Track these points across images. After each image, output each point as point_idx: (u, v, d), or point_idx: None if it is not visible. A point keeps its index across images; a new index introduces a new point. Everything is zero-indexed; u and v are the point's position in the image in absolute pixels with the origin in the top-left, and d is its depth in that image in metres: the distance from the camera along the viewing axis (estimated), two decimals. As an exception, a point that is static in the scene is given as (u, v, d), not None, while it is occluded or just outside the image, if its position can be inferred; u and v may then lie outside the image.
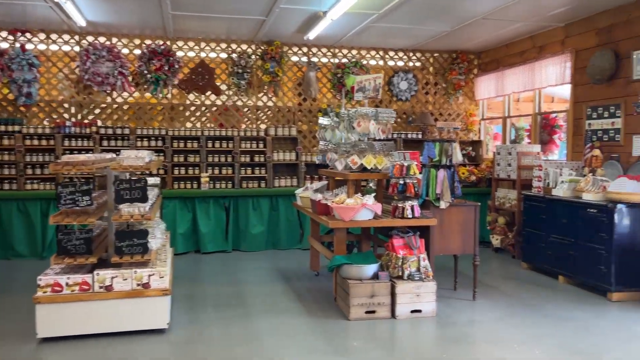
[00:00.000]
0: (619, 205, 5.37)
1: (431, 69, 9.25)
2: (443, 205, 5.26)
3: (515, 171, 7.43)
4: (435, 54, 9.19)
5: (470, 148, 9.15)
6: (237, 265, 6.99)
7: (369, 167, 5.31)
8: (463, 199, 5.58)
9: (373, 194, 5.17)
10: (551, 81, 7.29)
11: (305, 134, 8.72)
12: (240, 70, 8.28)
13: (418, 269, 4.94)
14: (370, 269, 4.89)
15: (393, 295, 4.81)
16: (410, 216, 5.00)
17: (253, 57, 8.40)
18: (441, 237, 5.32)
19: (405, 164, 5.06)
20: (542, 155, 7.66)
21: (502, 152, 7.81)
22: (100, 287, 4.22)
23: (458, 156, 5.34)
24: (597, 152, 6.35)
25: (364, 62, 8.82)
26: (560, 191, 6.24)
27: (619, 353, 4.06)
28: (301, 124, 8.72)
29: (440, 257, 5.65)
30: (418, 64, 9.23)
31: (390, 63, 9.11)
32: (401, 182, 5.06)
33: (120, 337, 4.27)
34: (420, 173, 5.36)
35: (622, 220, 5.40)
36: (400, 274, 4.90)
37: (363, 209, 4.89)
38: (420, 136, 8.81)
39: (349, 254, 6.06)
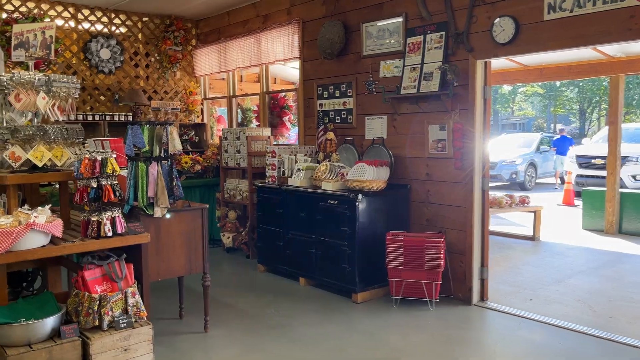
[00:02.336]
0: (360, 195, 4.78)
1: (140, 35, 7.55)
2: (159, 212, 3.82)
3: (246, 158, 6.43)
4: (145, 19, 7.52)
5: (193, 132, 7.84)
6: None
7: (40, 164, 3.50)
8: (186, 200, 4.23)
9: (48, 206, 3.38)
10: (279, 55, 6.46)
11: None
12: None
13: (125, 310, 3.40)
14: (45, 324, 3.14)
15: (86, 357, 3.19)
16: (110, 234, 3.41)
17: None
18: (159, 257, 3.88)
19: (99, 157, 3.43)
20: (274, 140, 6.85)
21: (229, 137, 6.71)
22: None
23: (176, 144, 3.95)
24: (331, 135, 5.74)
25: (47, 20, 6.60)
26: (297, 180, 5.43)
27: (384, 383, 3.32)
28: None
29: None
30: (123, 29, 7.42)
31: (86, 25, 7.08)
32: (94, 184, 3.41)
33: None
34: (124, 169, 3.82)
35: (364, 211, 4.83)
36: (97, 323, 3.28)
37: (29, 233, 3.09)
38: (131, 118, 7.10)
39: (15, 298, 4.17)
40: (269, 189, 5.73)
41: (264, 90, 7.08)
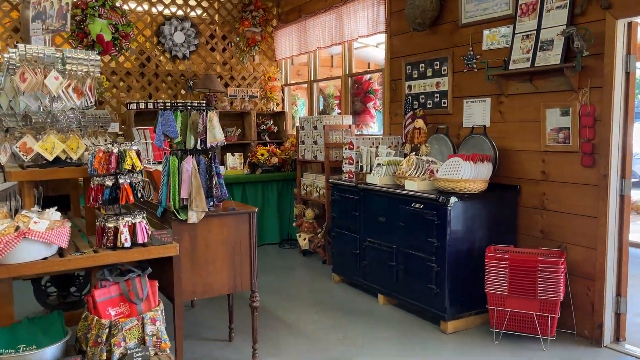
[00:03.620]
0: (453, 198, 3.77)
1: (217, 17, 7.00)
2: (194, 217, 3.12)
3: (323, 150, 5.63)
4: (222, -1, 6.97)
5: (272, 122, 7.18)
6: None
7: (51, 158, 2.93)
8: (229, 200, 3.49)
9: (54, 208, 2.80)
10: (362, 31, 5.55)
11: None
12: None
13: (142, 340, 2.74)
14: (43, 355, 2.55)
15: (89, 400, 2.57)
16: (128, 244, 2.76)
17: None
18: (194, 271, 3.19)
19: (115, 150, 2.79)
20: (356, 129, 5.98)
21: (306, 127, 5.95)
22: None
23: (217, 133, 3.21)
24: (419, 123, 4.75)
25: (119, 3, 6.23)
26: (376, 178, 4.53)
27: None
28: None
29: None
30: (199, 11, 6.92)
31: (159, 8, 6.65)
32: (109, 182, 2.78)
33: None
34: (153, 163, 3.17)
35: (458, 219, 3.81)
36: (104, 356, 2.65)
37: (22, 243, 2.51)
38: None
39: (61, 303, 3.73)
40: (345, 187, 4.87)
41: (346, 72, 6.21)
